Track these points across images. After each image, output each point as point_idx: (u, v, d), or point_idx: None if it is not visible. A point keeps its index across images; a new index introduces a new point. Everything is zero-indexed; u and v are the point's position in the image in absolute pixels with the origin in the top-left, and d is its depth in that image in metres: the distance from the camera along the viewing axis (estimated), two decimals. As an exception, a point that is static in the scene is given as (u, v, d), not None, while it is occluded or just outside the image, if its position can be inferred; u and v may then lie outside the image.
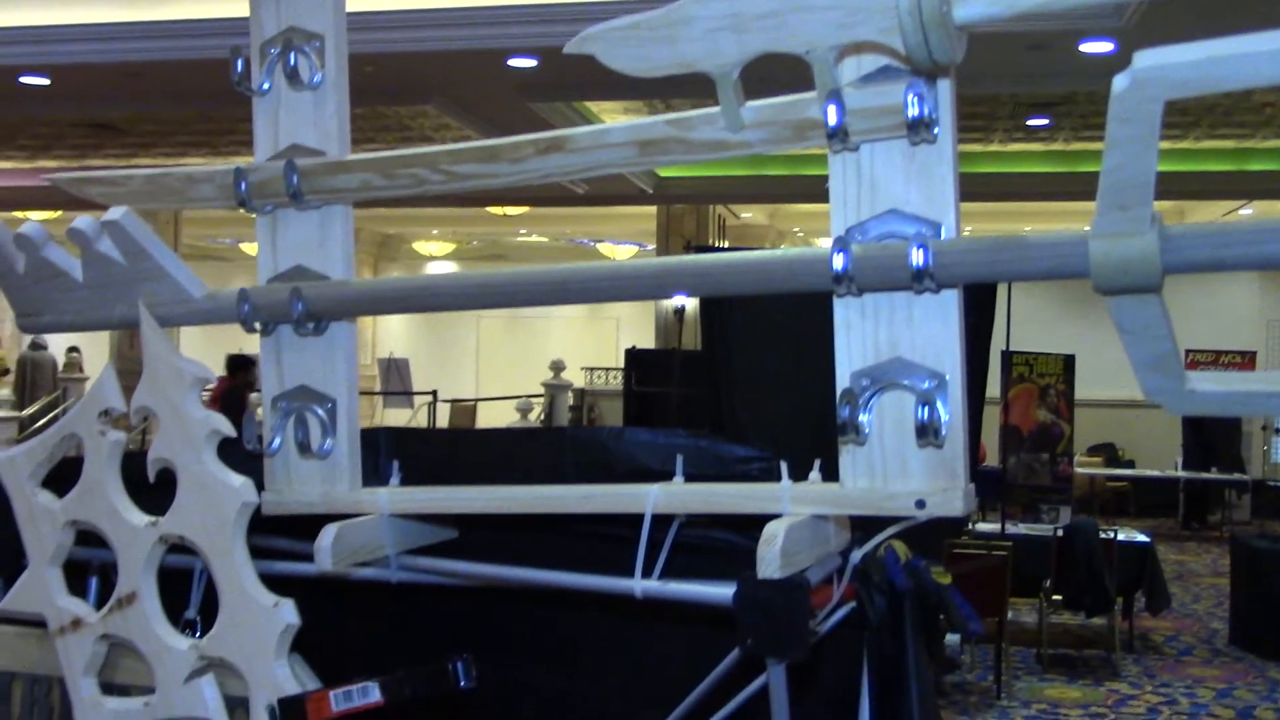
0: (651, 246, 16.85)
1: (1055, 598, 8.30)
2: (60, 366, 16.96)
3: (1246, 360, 12.81)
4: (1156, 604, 8.83)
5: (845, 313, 1.66)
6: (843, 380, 1.66)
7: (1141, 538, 9.00)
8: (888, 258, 1.58)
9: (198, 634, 2.06)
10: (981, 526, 9.42)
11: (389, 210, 17.29)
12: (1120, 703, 7.68)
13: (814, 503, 1.71)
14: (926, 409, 1.61)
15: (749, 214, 16.87)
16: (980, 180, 11.95)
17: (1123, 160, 1.33)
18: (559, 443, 2.07)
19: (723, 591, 1.69)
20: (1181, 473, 12.53)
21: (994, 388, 10.19)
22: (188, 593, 2.12)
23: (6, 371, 16.79)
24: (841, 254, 1.59)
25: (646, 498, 1.79)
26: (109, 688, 2.04)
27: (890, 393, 1.65)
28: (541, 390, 15.83)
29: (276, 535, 2.10)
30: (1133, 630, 9.06)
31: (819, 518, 1.73)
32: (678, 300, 13.02)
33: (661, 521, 1.81)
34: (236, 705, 1.99)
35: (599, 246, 19.79)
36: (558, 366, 15.71)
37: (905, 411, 1.64)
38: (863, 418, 1.66)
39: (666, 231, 14.89)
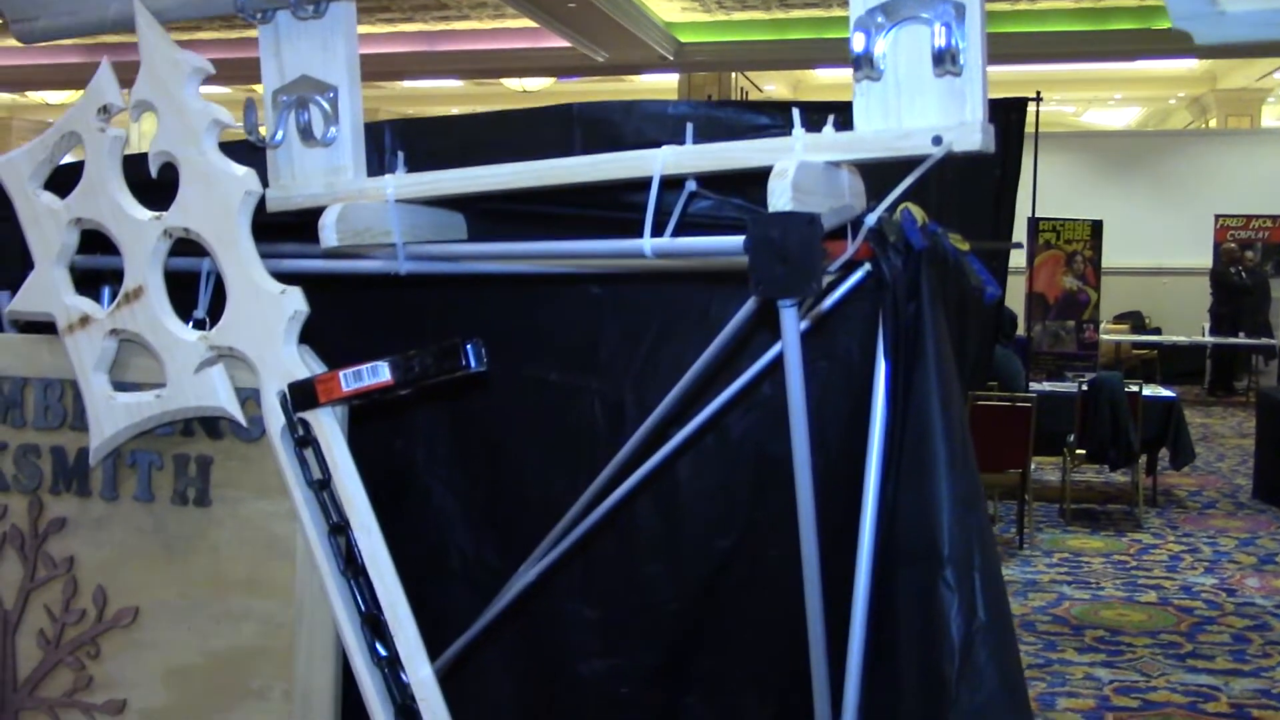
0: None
1: (1079, 452, 8.28)
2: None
3: (1278, 225, 12.61)
4: (1181, 459, 8.81)
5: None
6: (857, 10, 1.60)
7: (1166, 393, 8.94)
8: None
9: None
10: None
11: (405, 90, 17.09)
12: (1143, 551, 7.70)
13: (828, 149, 1.66)
14: (945, 32, 1.55)
15: (772, 86, 16.57)
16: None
17: None
18: (566, 120, 2.02)
19: (733, 241, 1.64)
20: (1208, 338, 12.43)
21: (1019, 255, 10.08)
22: (195, 297, 2.10)
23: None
24: None
25: (655, 159, 1.75)
26: (121, 387, 2.04)
27: (908, 25, 1.59)
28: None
29: (283, 241, 2.07)
30: (1156, 486, 9.06)
31: (833, 166, 1.68)
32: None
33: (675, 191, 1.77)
34: (248, 397, 1.98)
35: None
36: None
37: (922, 45, 1.58)
38: (878, 51, 1.60)
39: (688, 104, 14.60)
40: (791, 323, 1.62)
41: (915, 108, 1.60)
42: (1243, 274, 12.33)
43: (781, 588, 2.02)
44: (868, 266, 1.77)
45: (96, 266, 2.11)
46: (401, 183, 1.93)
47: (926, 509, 1.72)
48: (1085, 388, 8.42)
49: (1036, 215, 10.41)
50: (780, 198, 1.56)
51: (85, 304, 2.04)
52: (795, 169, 1.58)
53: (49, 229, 2.04)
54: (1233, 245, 12.53)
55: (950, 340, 1.83)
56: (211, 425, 2.03)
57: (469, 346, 1.87)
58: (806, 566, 1.80)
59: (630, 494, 1.98)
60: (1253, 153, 14.65)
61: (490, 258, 1.95)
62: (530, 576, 1.93)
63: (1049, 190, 10.10)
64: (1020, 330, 10.57)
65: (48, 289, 2.05)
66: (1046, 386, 9.23)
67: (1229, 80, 15.21)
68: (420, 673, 1.86)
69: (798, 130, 1.67)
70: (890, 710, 1.75)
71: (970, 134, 1.58)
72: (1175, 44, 11.89)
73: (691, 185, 1.78)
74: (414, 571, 1.90)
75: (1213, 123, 16.15)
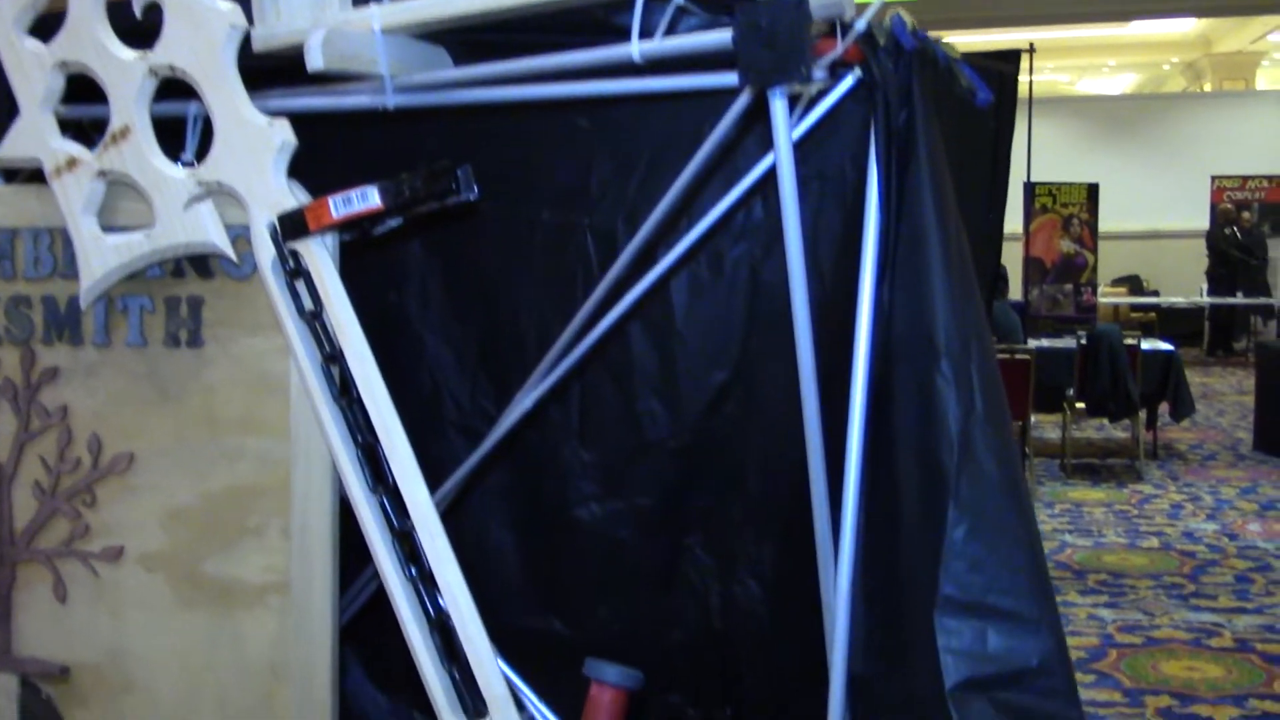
0: None
1: (1079, 406, 8.27)
2: None
3: (1274, 185, 12.58)
4: (1181, 411, 8.78)
5: None
6: None
7: (1165, 346, 8.93)
8: None
9: (195, 172, 2.03)
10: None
11: None
12: (1144, 501, 7.69)
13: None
14: None
15: None
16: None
17: None
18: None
19: (720, 35, 1.64)
20: (1206, 299, 12.41)
21: (1015, 221, 10.06)
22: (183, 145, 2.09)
23: None
24: None
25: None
26: (110, 231, 2.02)
27: None
28: None
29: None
30: (1156, 440, 9.04)
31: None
32: None
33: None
34: (238, 235, 1.97)
35: None
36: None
37: None
38: None
39: None
40: (782, 117, 1.61)
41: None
42: (1239, 234, 12.31)
43: (779, 420, 2.01)
44: (858, 73, 1.76)
45: (82, 117, 2.10)
46: (387, 12, 1.92)
47: (922, 307, 1.71)
48: (1084, 342, 8.41)
49: (1032, 180, 10.40)
50: (766, -16, 1.55)
51: (72, 147, 2.03)
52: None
53: (33, 73, 2.03)
54: (1229, 206, 12.51)
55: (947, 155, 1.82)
56: (202, 265, 2.02)
57: (459, 171, 1.85)
58: (804, 386, 1.80)
59: (623, 324, 1.98)
60: (1248, 114, 14.64)
61: (477, 82, 1.93)
62: (527, 404, 1.92)
63: (1044, 156, 10.09)
64: (1018, 295, 10.55)
65: (34, 133, 2.03)
66: (1046, 343, 9.21)
67: (1223, 44, 15.17)
68: (417, 496, 1.85)
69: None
70: (890, 513, 1.74)
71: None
72: (1170, 3, 11.87)
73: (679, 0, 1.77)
74: (410, 424, 1.88)
75: (1207, 87, 16.13)
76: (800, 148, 1.80)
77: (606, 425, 2.10)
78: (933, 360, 1.68)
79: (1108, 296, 12.35)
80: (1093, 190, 10.95)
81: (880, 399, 1.76)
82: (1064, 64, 16.54)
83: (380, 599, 2.24)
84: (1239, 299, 12.19)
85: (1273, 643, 5.12)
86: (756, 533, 2.09)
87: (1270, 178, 12.88)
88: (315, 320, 1.91)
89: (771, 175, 1.83)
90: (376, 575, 2.15)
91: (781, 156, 1.65)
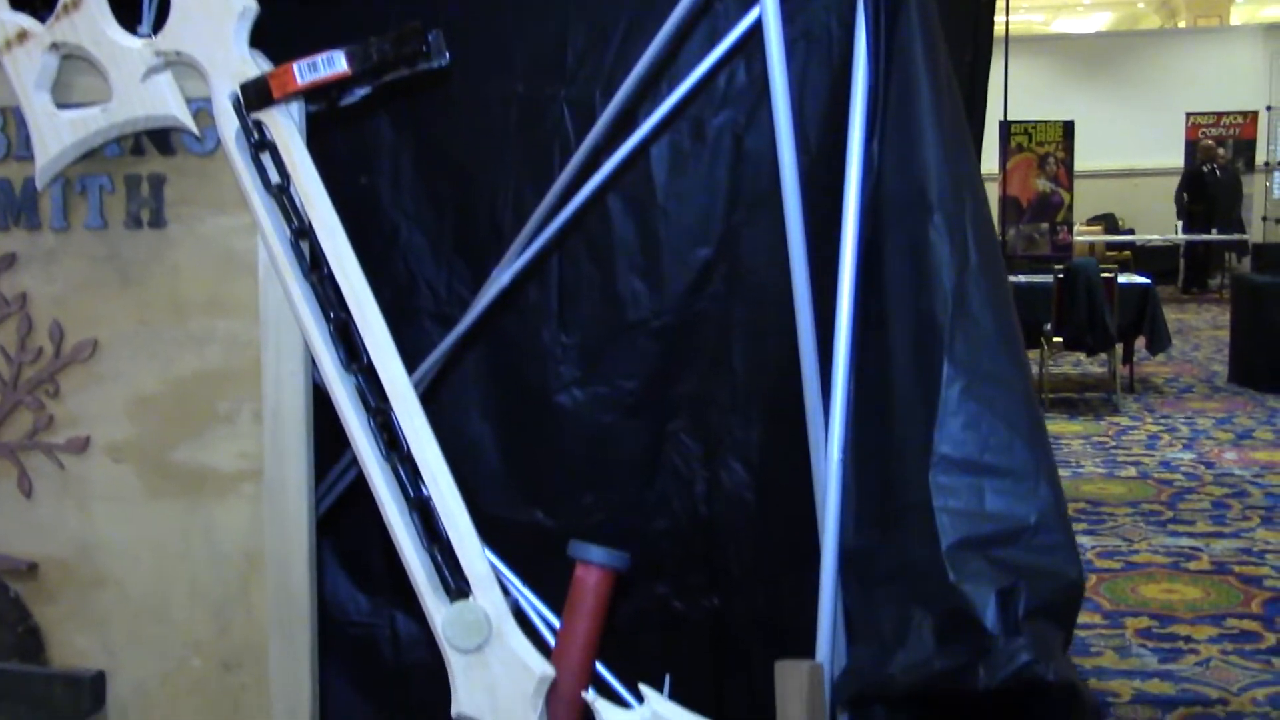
0: None
1: (1056, 340, 8.27)
2: None
3: (1248, 120, 12.60)
4: (1157, 344, 8.81)
5: None
6: None
7: (1141, 279, 8.94)
8: None
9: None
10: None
11: None
12: (1121, 432, 7.72)
13: None
14: None
15: None
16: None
17: None
18: None
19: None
20: (1181, 236, 12.45)
21: (991, 161, 10.01)
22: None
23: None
24: None
25: None
26: (66, 109, 1.94)
27: None
28: None
29: None
30: (1133, 374, 9.08)
31: None
32: None
33: None
34: (200, 109, 1.89)
35: None
36: None
37: None
38: None
39: None
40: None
41: None
42: (1216, 171, 12.33)
43: (766, 297, 1.96)
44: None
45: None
46: None
47: (913, 161, 1.66)
48: (1061, 275, 8.40)
49: (1008, 119, 10.36)
50: None
51: (22, 19, 1.93)
52: None
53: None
54: (1209, 143, 12.52)
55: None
56: (163, 141, 1.94)
57: (430, 34, 1.78)
58: (793, 256, 1.74)
59: (603, 198, 1.91)
60: (1223, 50, 14.62)
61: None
62: (504, 280, 1.86)
63: (1020, 95, 10.03)
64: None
65: (-18, 6, 1.94)
66: (1023, 279, 9.21)
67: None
68: (393, 373, 1.79)
69: None
70: (882, 378, 1.69)
71: None
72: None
73: None
74: (386, 315, 1.81)
75: (1181, 24, 16.09)
76: (785, 6, 1.73)
77: (587, 307, 2.04)
78: (925, 215, 1.63)
79: (1083, 235, 12.37)
80: (1068, 128, 10.94)
81: (871, 262, 1.71)
82: (1039, 3, 16.46)
83: (358, 494, 2.19)
84: (1214, 235, 12.23)
85: (1250, 565, 5.15)
86: (743, 415, 2.04)
87: (1245, 113, 12.89)
88: (282, 194, 1.83)
89: (754, 37, 1.77)
90: (353, 462, 2.09)
91: (768, 14, 1.59)
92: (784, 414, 1.93)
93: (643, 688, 1.67)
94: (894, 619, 1.64)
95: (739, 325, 1.99)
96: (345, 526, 2.27)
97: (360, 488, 2.11)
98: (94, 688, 1.96)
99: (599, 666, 1.90)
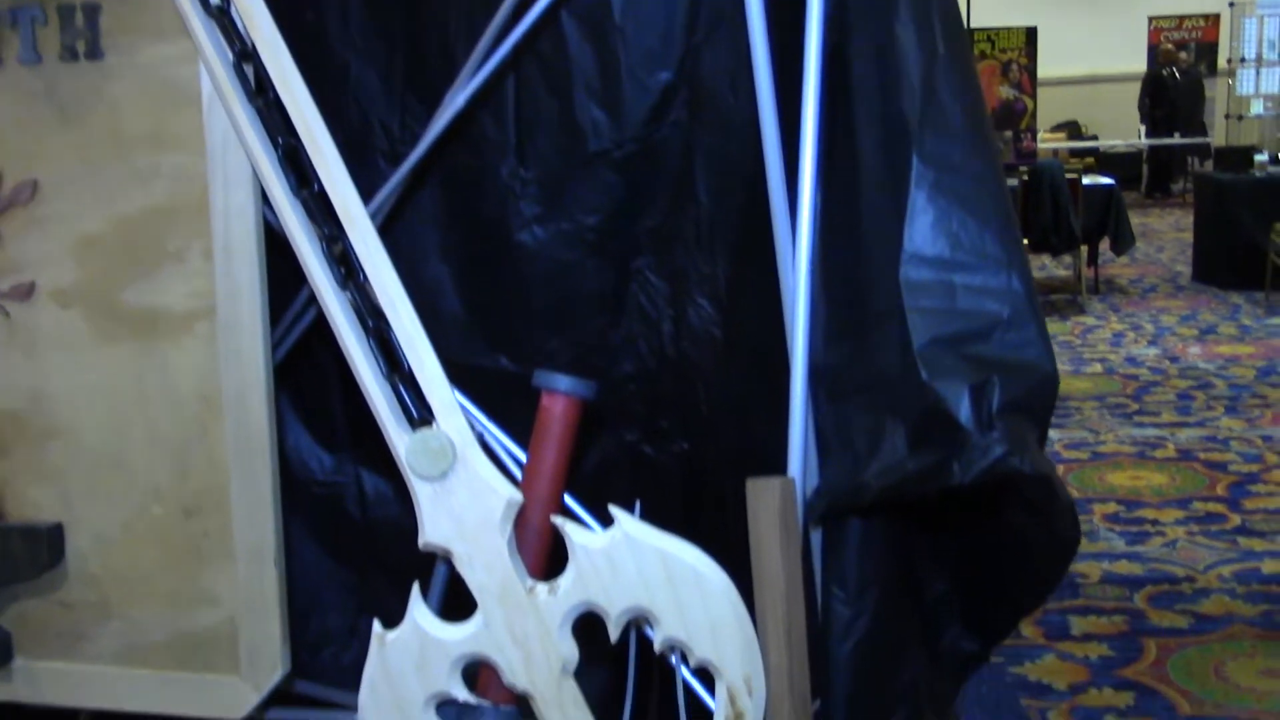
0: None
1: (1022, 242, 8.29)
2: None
3: (1210, 23, 12.57)
4: (1121, 244, 8.86)
5: None
6: None
7: (1105, 180, 8.95)
8: None
9: None
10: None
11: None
12: (1087, 331, 7.77)
13: None
14: None
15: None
16: None
17: None
18: None
19: None
20: (1145, 140, 12.47)
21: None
22: None
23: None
24: None
25: None
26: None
27: None
28: None
29: None
30: (1098, 276, 9.14)
31: None
32: None
33: None
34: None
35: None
36: None
37: None
38: None
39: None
40: None
41: None
42: (1177, 74, 12.32)
43: (730, 122, 1.91)
44: None
45: None
46: None
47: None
48: (1026, 178, 8.40)
49: (971, 26, 10.28)
50: None
51: None
52: None
53: None
54: (1170, 46, 12.49)
55: None
56: (95, -34, 1.85)
57: None
58: (757, 65, 1.69)
59: (557, 18, 1.84)
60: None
61: None
62: (460, 102, 1.79)
63: (981, 2, 9.95)
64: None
65: None
66: (987, 182, 9.11)
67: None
68: (346, 197, 1.73)
69: None
70: (850, 183, 1.65)
71: None
72: None
73: None
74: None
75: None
76: None
77: (546, 138, 1.98)
78: (890, 12, 1.57)
79: (1047, 142, 12.35)
80: (1031, 34, 10.86)
81: (835, 66, 1.66)
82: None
83: (317, 346, 2.14)
84: (1176, 139, 12.25)
85: (1215, 451, 5.22)
86: (709, 250, 1.99)
87: (1206, 16, 12.85)
88: (223, 15, 1.76)
89: None
90: (310, 302, 2.04)
91: None
92: (751, 247, 1.89)
93: (612, 509, 1.64)
94: (867, 430, 1.61)
95: (703, 153, 1.94)
96: (306, 383, 2.22)
97: (319, 337, 2.06)
98: (52, 540, 1.91)
99: (568, 499, 1.87)
